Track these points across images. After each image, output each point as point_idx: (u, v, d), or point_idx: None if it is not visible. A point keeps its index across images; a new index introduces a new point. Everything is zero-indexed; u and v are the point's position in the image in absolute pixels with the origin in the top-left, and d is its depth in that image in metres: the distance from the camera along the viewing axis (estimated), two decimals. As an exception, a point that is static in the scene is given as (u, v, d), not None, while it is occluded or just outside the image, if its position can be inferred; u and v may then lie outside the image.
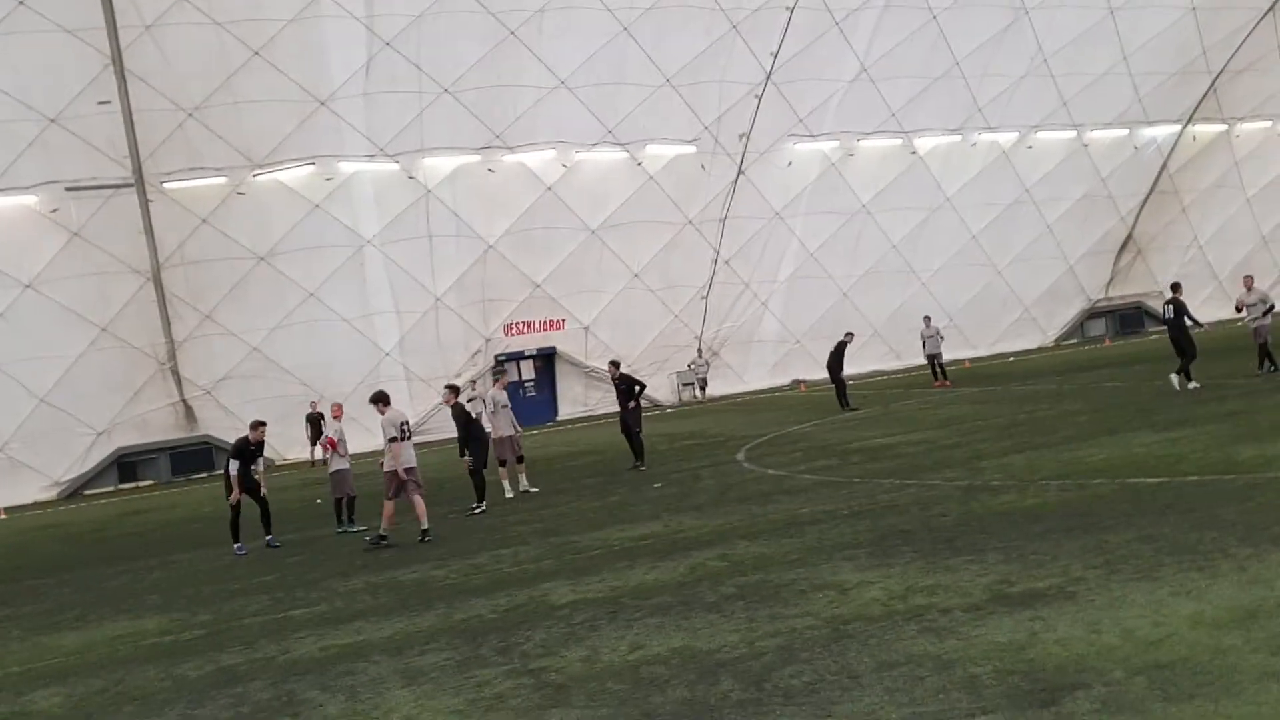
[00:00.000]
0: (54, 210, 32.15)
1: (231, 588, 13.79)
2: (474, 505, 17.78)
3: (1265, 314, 22.25)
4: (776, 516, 13.36)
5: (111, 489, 35.18)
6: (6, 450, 33.89)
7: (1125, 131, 46.27)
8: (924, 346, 34.51)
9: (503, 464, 19.35)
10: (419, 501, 15.67)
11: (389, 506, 15.73)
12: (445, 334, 38.51)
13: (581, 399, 41.39)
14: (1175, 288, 22.22)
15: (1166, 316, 21.70)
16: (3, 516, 30.98)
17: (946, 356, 35.05)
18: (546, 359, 40.91)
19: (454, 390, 18.77)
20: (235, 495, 16.67)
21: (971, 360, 43.31)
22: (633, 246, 39.69)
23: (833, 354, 29.90)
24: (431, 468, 28.43)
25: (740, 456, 20.89)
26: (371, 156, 35.10)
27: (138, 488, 35.11)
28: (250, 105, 32.52)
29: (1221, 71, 46.13)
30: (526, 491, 19.45)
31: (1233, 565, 8.16)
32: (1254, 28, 45.14)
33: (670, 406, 40.72)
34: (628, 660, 8.03)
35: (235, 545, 16.78)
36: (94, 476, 35.26)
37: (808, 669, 7.21)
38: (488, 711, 7.30)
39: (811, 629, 8.15)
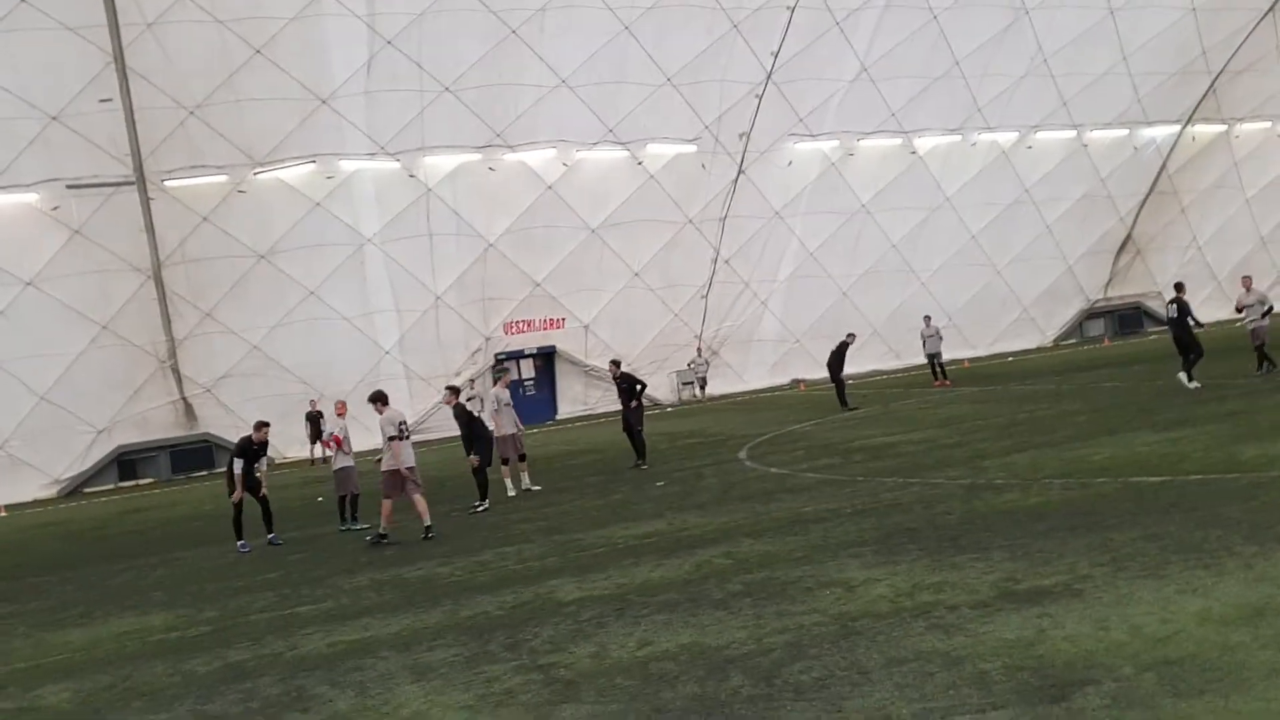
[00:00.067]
0: (55, 208, 32.17)
1: (236, 585, 13.82)
2: (476, 503, 17.80)
3: (1263, 315, 22.27)
4: (780, 514, 13.39)
5: (111, 487, 35.20)
6: (7, 448, 33.91)
7: (1125, 132, 46.35)
8: (924, 346, 34.55)
9: (505, 462, 19.38)
10: (420, 500, 15.72)
11: (387, 505, 15.76)
12: (445, 333, 38.54)
13: (581, 398, 41.43)
14: (1179, 288, 22.25)
15: (1170, 316, 21.73)
16: (3, 514, 30.99)
17: (946, 356, 35.08)
18: (546, 358, 40.93)
19: (454, 391, 18.80)
20: (238, 494, 16.71)
21: (970, 360, 43.37)
22: (633, 245, 39.74)
23: (834, 354, 29.92)
24: (432, 466, 28.51)
25: (742, 455, 20.93)
26: (372, 155, 35.13)
27: (138, 486, 35.14)
28: (251, 103, 32.54)
29: (1221, 72, 46.21)
30: (528, 490, 19.48)
31: (1239, 563, 8.19)
32: (1254, 28, 45.22)
33: (670, 405, 40.75)
34: (636, 656, 8.06)
35: (238, 543, 16.80)
36: (94, 474, 35.28)
37: (817, 665, 7.24)
38: (498, 707, 7.33)
39: (819, 626, 8.18)
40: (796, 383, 42.72)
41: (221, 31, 31.00)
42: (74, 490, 34.73)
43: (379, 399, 16.39)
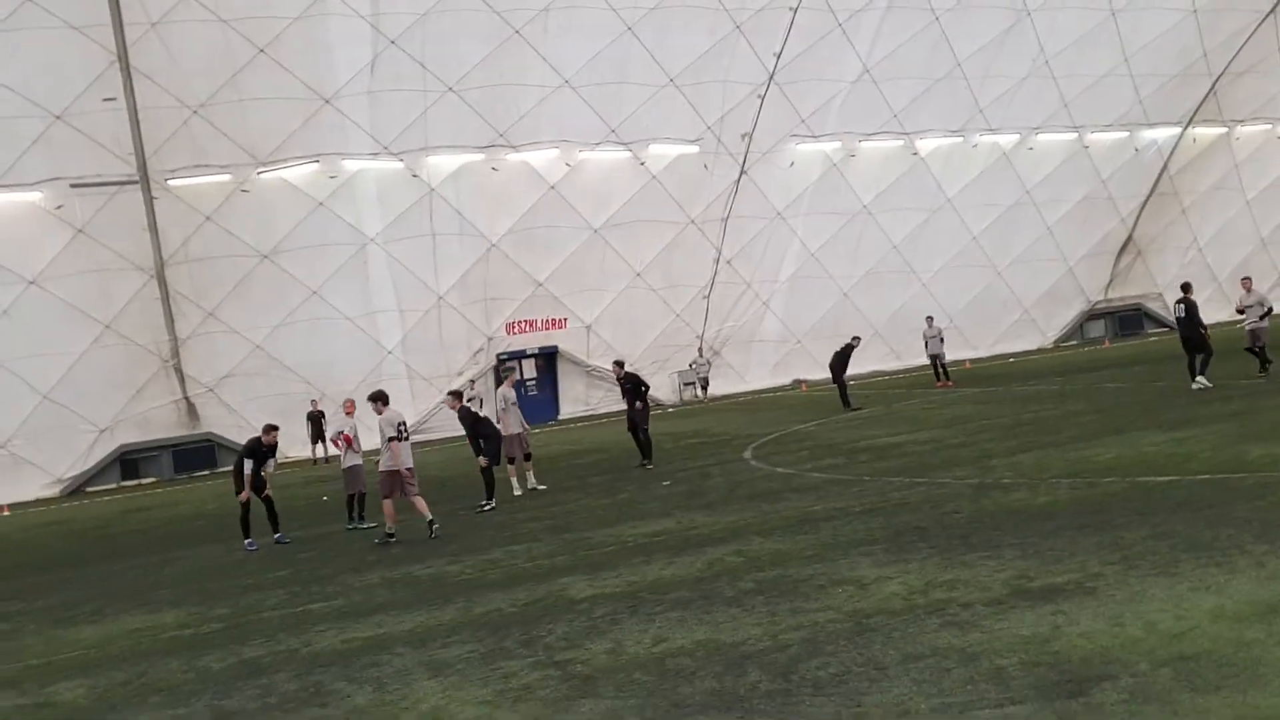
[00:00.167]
0: (59, 207, 32.21)
1: (245, 582, 13.86)
2: (483, 502, 17.86)
3: (1262, 317, 22.30)
4: (789, 513, 13.44)
5: (114, 486, 35.24)
6: (9, 447, 33.95)
7: (1126, 133, 46.45)
8: (926, 347, 34.60)
9: (511, 461, 19.41)
10: (418, 501, 15.81)
11: (389, 505, 15.82)
12: (447, 333, 38.59)
13: (583, 398, 41.49)
14: (1186, 288, 22.28)
15: (1178, 316, 21.75)
16: (6, 513, 31.03)
17: (947, 357, 35.14)
18: (548, 358, 40.98)
19: (457, 396, 18.86)
20: (245, 494, 16.78)
21: (971, 361, 43.43)
22: (635, 246, 39.79)
23: (838, 355, 29.96)
24: (435, 466, 28.65)
25: (747, 455, 20.98)
26: (375, 155, 35.18)
27: (140, 485, 35.17)
28: (255, 103, 32.59)
29: (1222, 74, 46.28)
30: (534, 489, 19.52)
31: (1250, 561, 8.24)
32: (1255, 30, 45.30)
33: (671, 406, 40.79)
34: (652, 652, 8.10)
35: (246, 541, 16.86)
36: (96, 474, 35.33)
37: (833, 661, 7.29)
38: (517, 702, 7.38)
39: (834, 622, 8.23)
40: (798, 383, 42.78)
41: (225, 31, 31.04)
42: (76, 489, 34.77)
43: (379, 399, 16.44)
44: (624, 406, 22.40)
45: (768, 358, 44.14)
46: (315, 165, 34.59)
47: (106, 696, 9.03)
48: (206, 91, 31.95)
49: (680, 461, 21.26)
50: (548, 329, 40.35)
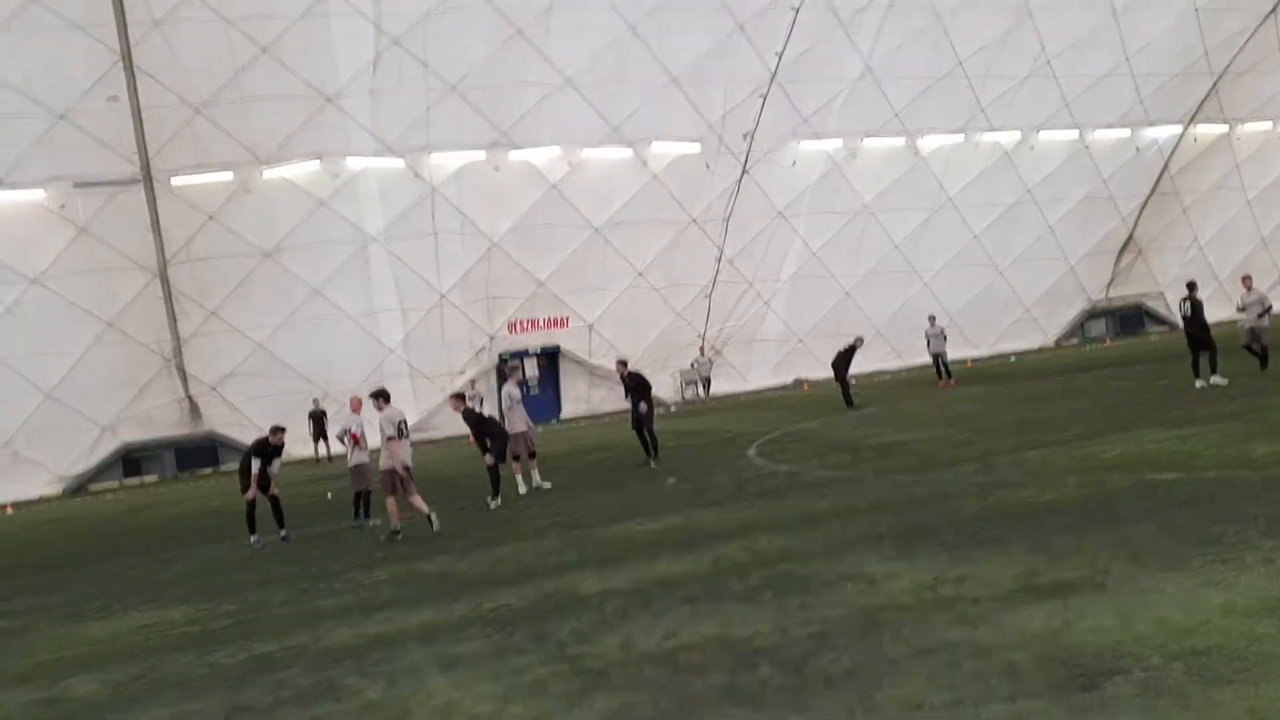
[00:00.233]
0: (61, 206, 32.24)
1: (253, 579, 13.91)
2: (489, 499, 17.89)
3: (1261, 315, 22.31)
4: (795, 510, 13.48)
5: (116, 484, 35.32)
6: (12, 445, 34.01)
7: (1127, 132, 46.43)
8: (928, 345, 34.64)
9: (516, 459, 19.42)
10: (416, 499, 15.91)
11: (391, 503, 15.91)
12: (449, 331, 38.62)
13: (585, 397, 41.53)
14: (1192, 286, 22.32)
15: (1184, 314, 21.78)
16: (9, 511, 31.09)
17: (949, 356, 35.18)
18: (550, 357, 41.01)
19: (459, 398, 18.87)
20: (252, 492, 16.85)
21: (973, 360, 43.49)
22: (637, 245, 39.82)
23: (841, 354, 30.03)
24: (439, 464, 28.72)
25: (751, 453, 21.02)
26: (378, 154, 35.19)
27: (142, 483, 35.24)
28: (258, 102, 32.60)
29: (1223, 73, 46.29)
30: (539, 487, 19.53)
31: (1259, 557, 8.27)
32: (1256, 29, 45.30)
33: (674, 405, 40.83)
34: (663, 648, 8.14)
35: (251, 538, 16.92)
36: (99, 472, 35.40)
37: (845, 656, 7.33)
38: (530, 697, 7.42)
39: (844, 618, 8.26)
40: (800, 382, 42.83)
41: (228, 30, 31.06)
42: (79, 488, 34.83)
43: (380, 396, 16.56)
44: (626, 405, 22.41)
45: (769, 357, 44.17)
46: (317, 164, 34.59)
47: (120, 691, 9.08)
48: (209, 90, 31.97)
49: (685, 459, 21.29)
50: (549, 328, 40.39)
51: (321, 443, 35.06)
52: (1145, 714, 5.65)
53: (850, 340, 31.05)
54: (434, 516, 15.69)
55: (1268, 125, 49.13)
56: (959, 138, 43.52)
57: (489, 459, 17.94)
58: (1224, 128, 48.41)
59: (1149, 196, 48.71)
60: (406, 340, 38.01)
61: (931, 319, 35.45)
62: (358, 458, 18.07)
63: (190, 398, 36.06)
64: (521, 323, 39.94)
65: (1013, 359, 42.72)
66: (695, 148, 39.27)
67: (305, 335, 36.12)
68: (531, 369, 40.55)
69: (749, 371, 43.94)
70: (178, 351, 35.24)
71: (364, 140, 34.76)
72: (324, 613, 11.16)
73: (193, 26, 30.72)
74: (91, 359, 34.00)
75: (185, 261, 34.31)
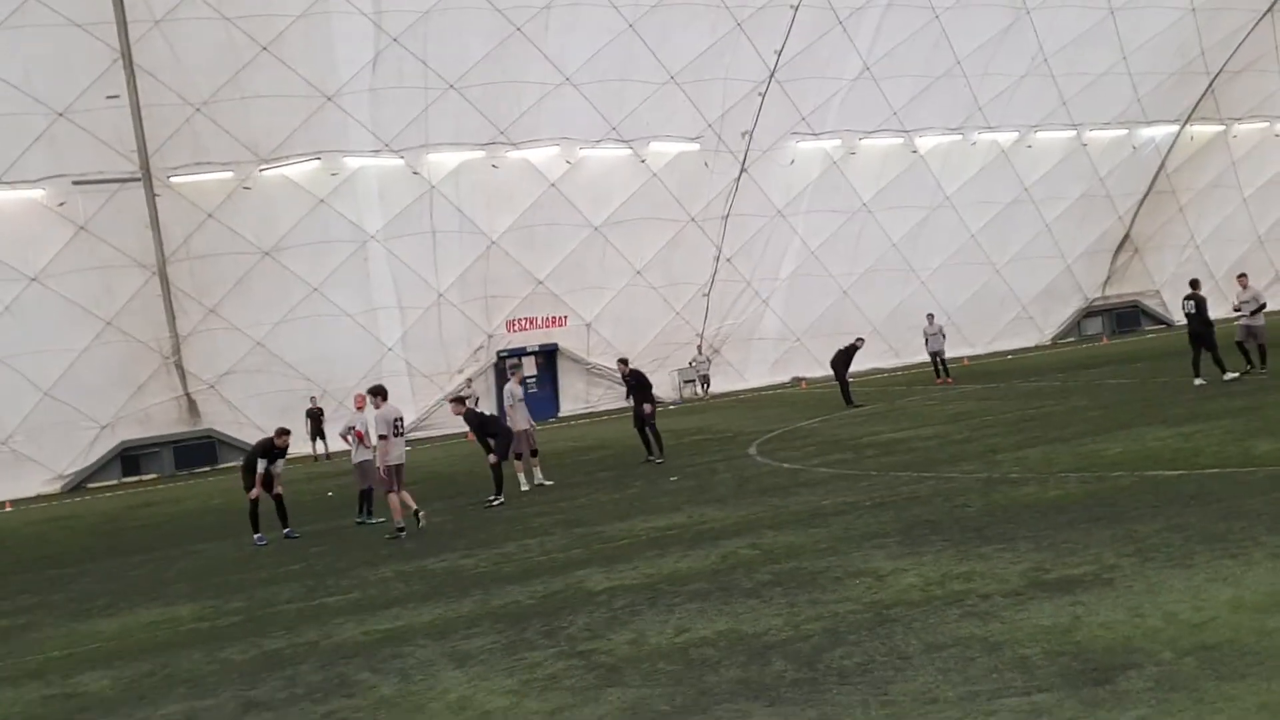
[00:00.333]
0: (61, 204, 32.21)
1: (259, 576, 13.93)
2: (491, 497, 17.95)
3: (1254, 313, 22.38)
4: (799, 508, 13.53)
5: (115, 482, 35.28)
6: (11, 443, 33.97)
7: (1124, 131, 46.58)
8: (927, 344, 34.72)
9: (518, 457, 19.48)
10: (405, 495, 16.02)
11: (393, 500, 15.93)
12: (448, 330, 38.66)
13: (583, 395, 41.58)
14: (1195, 285, 22.38)
15: (1188, 312, 21.84)
16: (9, 509, 31.08)
17: (946, 354, 35.25)
18: (548, 356, 41.03)
19: (459, 401, 18.90)
20: (256, 491, 16.89)
21: (970, 358, 43.58)
22: (635, 243, 39.87)
23: (841, 353, 30.07)
24: (439, 462, 28.74)
25: (752, 451, 21.07)
26: (377, 152, 35.22)
27: (141, 481, 35.20)
28: (257, 100, 32.62)
29: (1220, 72, 46.44)
30: (541, 484, 19.59)
31: (1266, 553, 8.33)
32: (1252, 29, 45.46)
33: (673, 403, 40.86)
34: (675, 643, 8.19)
35: (255, 536, 16.95)
36: (98, 470, 35.35)
37: (857, 650, 7.38)
38: (544, 691, 7.46)
39: (854, 613, 8.32)
40: (798, 381, 42.89)
41: (228, 29, 31.07)
42: (78, 485, 34.80)
43: (378, 393, 16.59)
44: (624, 403, 22.47)
45: (767, 355, 44.24)
46: (316, 162, 34.61)
47: (133, 687, 9.11)
48: (209, 89, 31.97)
49: (686, 457, 21.33)
50: (548, 326, 40.42)
51: (319, 441, 35.05)
52: (1159, 708, 5.70)
53: (851, 340, 31.11)
54: (422, 515, 15.86)
55: (1264, 124, 49.30)
56: (957, 136, 43.62)
57: (492, 458, 17.98)
58: (1220, 126, 48.61)
59: (1145, 195, 48.89)
60: (405, 338, 38.03)
61: (930, 317, 35.54)
62: (361, 455, 18.10)
63: (189, 396, 36.05)
64: (520, 321, 39.96)
65: (1009, 357, 42.80)
66: (694, 146, 39.35)
67: (304, 333, 36.13)
68: (530, 368, 40.58)
69: (747, 370, 44.01)
70: (176, 349, 35.23)
71: (363, 138, 34.78)
72: (332, 609, 11.20)
73: (193, 25, 30.73)
74: (90, 357, 33.98)
75: (184, 259, 34.31)
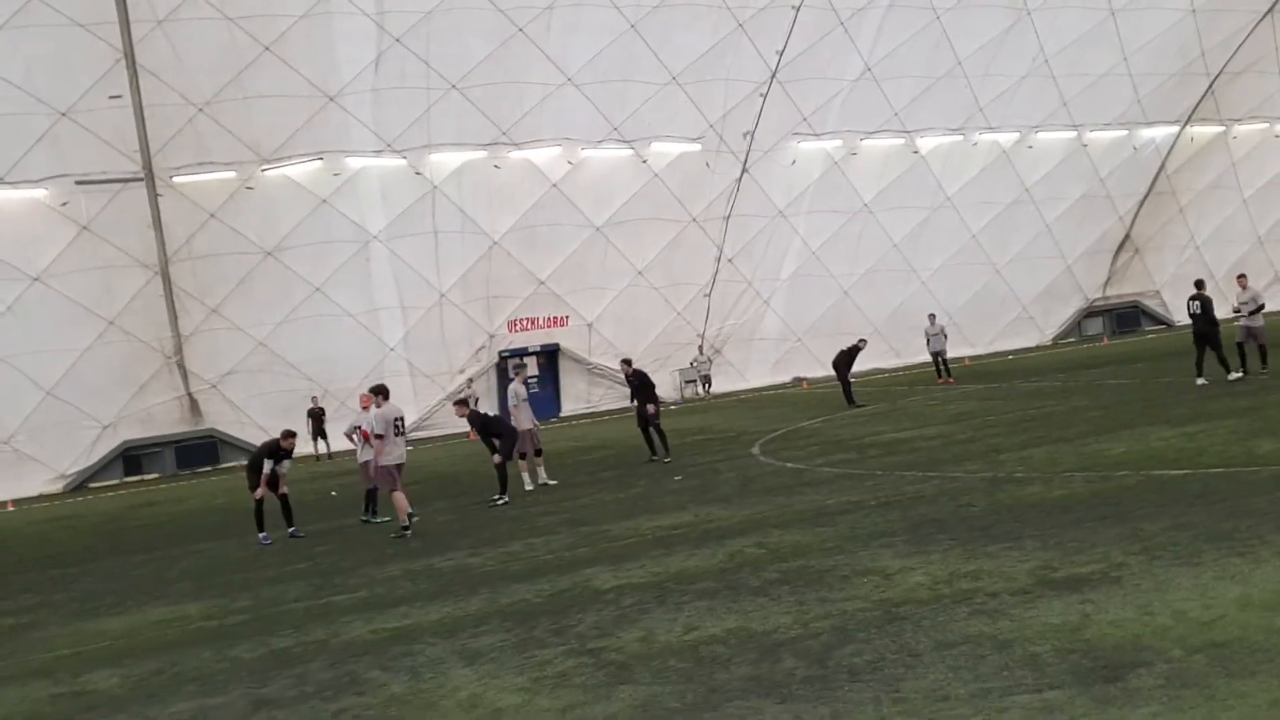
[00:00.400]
0: (63, 204, 32.20)
1: (265, 575, 13.95)
2: (496, 496, 17.98)
3: (1253, 313, 22.41)
4: (804, 507, 13.56)
5: (116, 482, 35.27)
6: (12, 443, 33.95)
7: (1124, 132, 46.60)
8: (928, 344, 34.76)
9: (522, 457, 19.51)
10: (392, 497, 16.11)
11: (398, 498, 15.98)
12: (449, 330, 38.65)
13: (585, 395, 41.59)
14: (1200, 285, 22.41)
15: (1193, 312, 21.85)
16: (10, 509, 31.09)
17: (948, 354, 35.26)
18: (550, 356, 41.04)
19: (463, 404, 18.91)
20: (261, 491, 16.94)
21: (971, 358, 43.60)
22: (637, 244, 39.88)
23: (843, 353, 30.05)
24: (442, 462, 28.77)
25: (755, 451, 21.09)
26: (379, 152, 35.22)
27: (143, 481, 35.20)
28: (260, 100, 32.61)
29: (1220, 73, 46.48)
30: (545, 484, 19.61)
31: (1272, 551, 8.37)
32: (1252, 30, 45.50)
33: (674, 403, 40.87)
34: (685, 640, 8.22)
35: (260, 535, 16.99)
36: (99, 469, 35.33)
37: (867, 648, 7.41)
38: (555, 688, 7.49)
39: (863, 611, 8.35)
40: (799, 381, 42.92)
41: (231, 29, 31.08)
42: (79, 485, 34.79)
43: (379, 392, 16.69)
44: (625, 404, 22.48)
45: (768, 356, 44.25)
46: (319, 163, 34.60)
47: (141, 685, 9.13)
48: (212, 89, 31.96)
49: (689, 457, 21.34)
50: (549, 327, 40.43)
51: (320, 441, 35.06)
52: (1171, 705, 5.74)
53: (854, 341, 31.14)
54: (413, 516, 15.99)
55: (1264, 125, 49.33)
56: (958, 137, 43.66)
57: (497, 458, 18.01)
58: (1220, 127, 48.64)
59: (1146, 196, 48.92)
60: (407, 338, 38.03)
61: (931, 318, 35.58)
62: (366, 454, 18.10)
63: (191, 395, 36.05)
64: (521, 321, 39.97)
65: (1010, 357, 42.83)
66: (695, 147, 39.36)
67: (306, 333, 36.14)
68: (531, 368, 40.59)
69: (748, 370, 44.01)
70: (178, 349, 35.23)
71: (365, 138, 34.78)
72: (340, 608, 11.22)
73: (195, 25, 30.73)
74: (92, 356, 33.97)
75: (186, 259, 34.31)
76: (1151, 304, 50.87)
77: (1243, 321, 22.40)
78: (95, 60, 30.54)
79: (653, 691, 7.14)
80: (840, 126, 41.40)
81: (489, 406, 36.38)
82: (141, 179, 32.68)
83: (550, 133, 37.08)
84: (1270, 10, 45.12)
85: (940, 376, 33.42)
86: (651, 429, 21.31)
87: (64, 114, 30.95)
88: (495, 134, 36.30)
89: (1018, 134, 44.70)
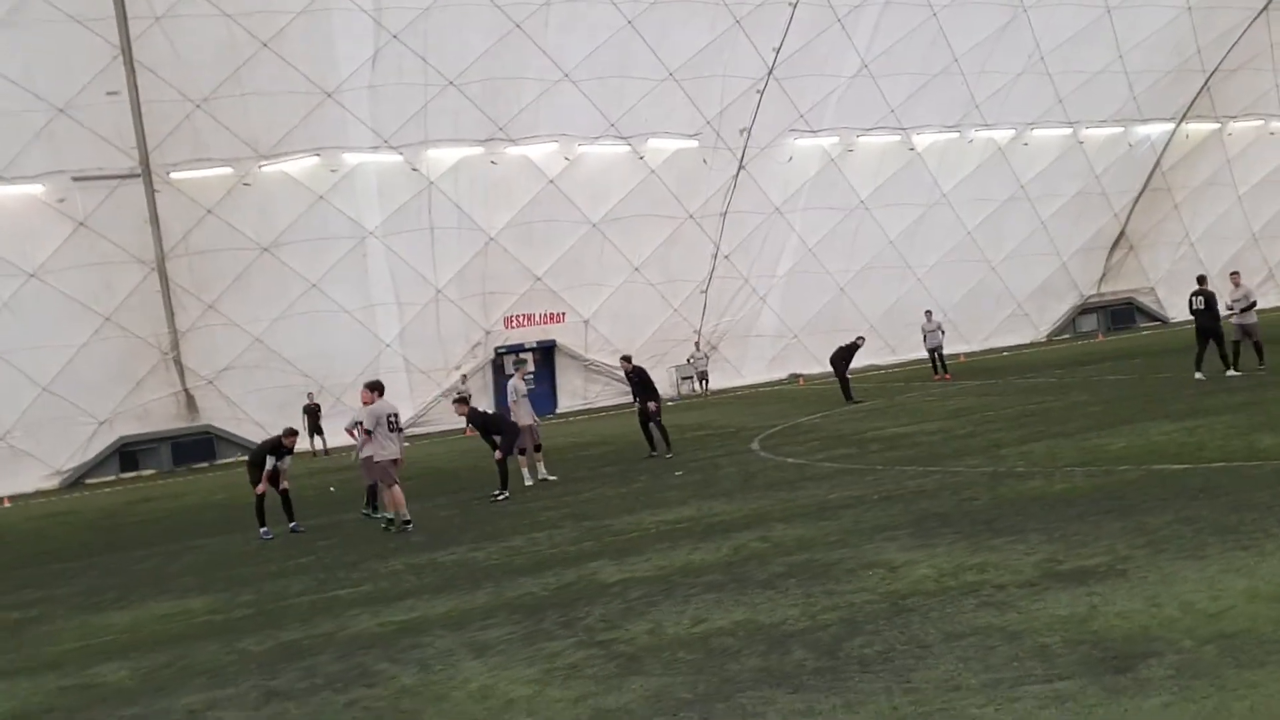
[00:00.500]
0: (60, 200, 32.21)
1: (268, 570, 13.97)
2: (496, 492, 18.00)
3: (1245, 310, 22.49)
4: (807, 501, 13.60)
5: (113, 478, 35.29)
6: (9, 439, 33.95)
7: (1120, 129, 46.74)
8: (924, 340, 34.83)
9: (522, 452, 19.54)
10: (391, 494, 16.15)
11: (396, 493, 16.02)
12: (446, 326, 38.68)
13: (581, 392, 41.61)
14: (1203, 280, 22.47)
15: (1197, 307, 21.91)
16: (7, 505, 31.07)
17: (944, 350, 35.32)
18: (546, 352, 41.05)
19: (463, 402, 18.93)
20: (262, 486, 16.97)
21: (966, 354, 43.70)
22: (634, 240, 39.91)
23: (841, 350, 30.14)
24: (439, 457, 28.77)
25: (755, 446, 21.13)
26: (376, 148, 35.22)
27: (139, 477, 35.19)
28: (257, 97, 32.62)
29: (1215, 70, 46.60)
30: (545, 479, 19.64)
31: (1278, 545, 8.41)
32: (1248, 27, 45.63)
33: (671, 400, 40.89)
34: (693, 632, 8.26)
35: (261, 530, 17.01)
36: (96, 465, 35.34)
37: (876, 640, 7.45)
38: (567, 679, 7.52)
39: (870, 603, 8.39)
40: (795, 377, 42.98)
41: (229, 25, 31.07)
42: (76, 481, 34.80)
43: (374, 388, 16.73)
44: (621, 400, 22.50)
45: (764, 352, 44.32)
46: (316, 159, 34.61)
47: (151, 678, 9.15)
48: (209, 85, 31.96)
49: (690, 453, 21.37)
50: (546, 323, 40.45)
51: (317, 437, 35.05)
52: (1183, 694, 5.79)
53: (852, 339, 31.21)
54: (375, 514, 16.17)
55: (1258, 122, 49.48)
56: (954, 134, 43.75)
57: (498, 454, 18.05)
58: (1215, 124, 48.80)
59: (1141, 193, 49.05)
60: (403, 335, 38.05)
61: (928, 314, 35.68)
62: (368, 450, 18.10)
63: (187, 391, 36.04)
64: (518, 317, 39.99)
65: (1005, 353, 42.92)
66: (692, 143, 39.39)
67: (302, 329, 36.14)
68: (529, 364, 40.61)
69: (744, 366, 44.07)
70: (175, 345, 35.22)
71: (362, 135, 34.79)
72: (345, 601, 11.25)
73: (193, 21, 30.73)
74: (89, 353, 33.97)
75: (183, 255, 34.31)
76: (1146, 300, 51.04)
77: (1235, 319, 22.49)
78: (93, 56, 30.53)
79: (664, 682, 7.18)
80: (837, 123, 41.46)
81: (485, 403, 36.44)
82: (139, 175, 32.68)
83: (547, 129, 37.10)
84: (1265, 8, 45.25)
85: (937, 373, 33.50)
86: (653, 425, 21.35)
87: (61, 110, 30.95)
88: (492, 130, 36.32)
89: (1013, 131, 44.79)
